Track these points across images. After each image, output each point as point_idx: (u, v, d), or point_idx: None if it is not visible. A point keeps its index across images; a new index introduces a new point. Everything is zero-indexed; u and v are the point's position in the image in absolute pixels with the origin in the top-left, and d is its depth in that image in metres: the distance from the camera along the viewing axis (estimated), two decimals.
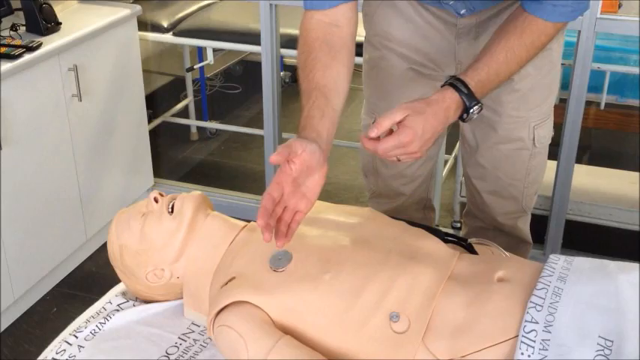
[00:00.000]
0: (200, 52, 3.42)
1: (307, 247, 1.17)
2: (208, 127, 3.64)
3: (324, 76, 1.27)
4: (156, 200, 1.27)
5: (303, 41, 1.33)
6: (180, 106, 3.51)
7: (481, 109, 1.26)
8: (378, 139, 1.16)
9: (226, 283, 1.16)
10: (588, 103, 2.50)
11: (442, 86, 1.25)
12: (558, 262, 1.12)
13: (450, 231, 2.30)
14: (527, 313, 1.03)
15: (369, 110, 1.62)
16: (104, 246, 2.76)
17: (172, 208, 1.26)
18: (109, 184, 2.72)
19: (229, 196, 3.01)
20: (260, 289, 1.12)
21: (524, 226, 1.71)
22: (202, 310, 1.23)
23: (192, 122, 3.59)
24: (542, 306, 1.03)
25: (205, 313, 1.23)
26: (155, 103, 3.49)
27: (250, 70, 4.28)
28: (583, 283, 1.07)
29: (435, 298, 1.08)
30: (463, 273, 1.13)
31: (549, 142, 1.59)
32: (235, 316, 1.10)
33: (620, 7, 2.77)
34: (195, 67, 3.29)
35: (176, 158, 3.49)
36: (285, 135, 2.92)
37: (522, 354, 0.99)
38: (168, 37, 3.06)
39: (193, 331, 1.24)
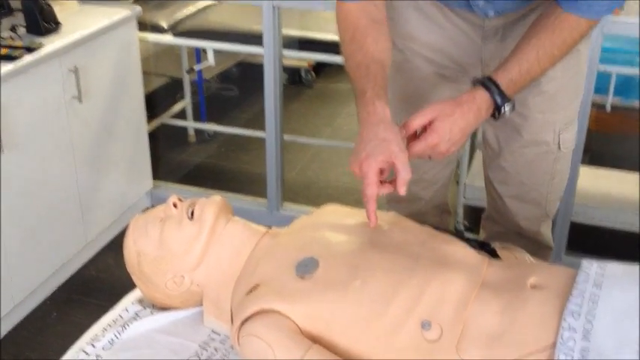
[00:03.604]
0: (198, 54, 3.38)
1: (334, 254, 1.14)
2: (207, 129, 3.60)
3: (377, 49, 1.29)
4: (175, 205, 1.24)
5: (345, 21, 1.34)
6: (178, 107, 3.47)
7: (513, 108, 1.26)
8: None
9: (250, 291, 1.13)
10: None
11: (473, 86, 1.25)
12: (592, 267, 1.09)
13: None
14: (565, 320, 1.00)
15: (392, 114, 1.60)
16: (104, 250, 2.73)
17: (192, 213, 1.23)
18: (109, 187, 2.69)
19: (231, 199, 2.96)
20: (287, 296, 1.08)
21: (547, 232, 1.69)
22: (223, 318, 1.20)
23: (193, 124, 3.55)
24: (579, 314, 1.01)
25: (226, 321, 1.20)
26: (151, 104, 3.45)
27: (247, 72, 4.26)
28: (619, 290, 1.04)
29: (467, 305, 1.05)
30: (494, 280, 1.10)
31: (574, 146, 1.57)
32: (262, 326, 1.06)
33: (622, 8, 2.77)
34: (195, 68, 3.26)
35: (174, 160, 3.46)
36: (286, 137, 2.89)
37: None
38: (169, 39, 3.02)
39: (214, 340, 1.21)
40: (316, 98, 4.21)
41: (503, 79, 1.24)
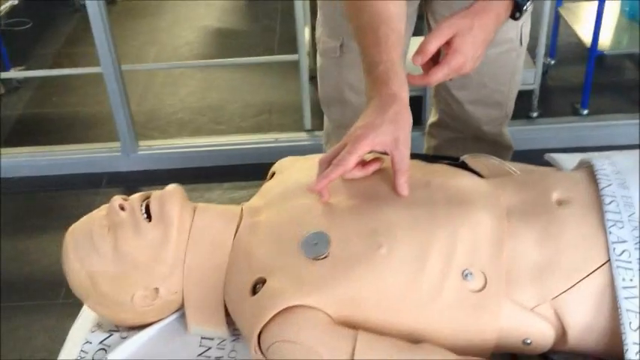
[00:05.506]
0: None
1: (342, 222, 0.97)
2: (18, 76, 3.14)
3: (385, 4, 1.07)
4: (122, 208, 1.00)
5: None
6: None
7: (532, 2, 1.11)
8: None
9: (255, 288, 0.95)
10: None
11: None
12: (605, 166, 1.02)
13: None
14: (611, 233, 0.93)
15: (334, 32, 1.41)
16: None
17: (147, 212, 1.00)
18: None
19: (78, 151, 2.64)
20: (307, 285, 0.91)
21: (506, 131, 1.62)
22: (213, 322, 1.02)
23: (9, 75, 3.07)
24: (622, 222, 0.94)
25: (217, 325, 1.01)
26: None
27: None
28: None
29: (503, 242, 0.95)
30: (516, 205, 0.99)
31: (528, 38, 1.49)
32: (294, 328, 0.89)
33: None
34: None
35: None
36: (124, 67, 2.57)
37: (624, 280, 0.89)
38: None
39: (210, 347, 1.02)
40: (126, 15, 3.80)
41: None
